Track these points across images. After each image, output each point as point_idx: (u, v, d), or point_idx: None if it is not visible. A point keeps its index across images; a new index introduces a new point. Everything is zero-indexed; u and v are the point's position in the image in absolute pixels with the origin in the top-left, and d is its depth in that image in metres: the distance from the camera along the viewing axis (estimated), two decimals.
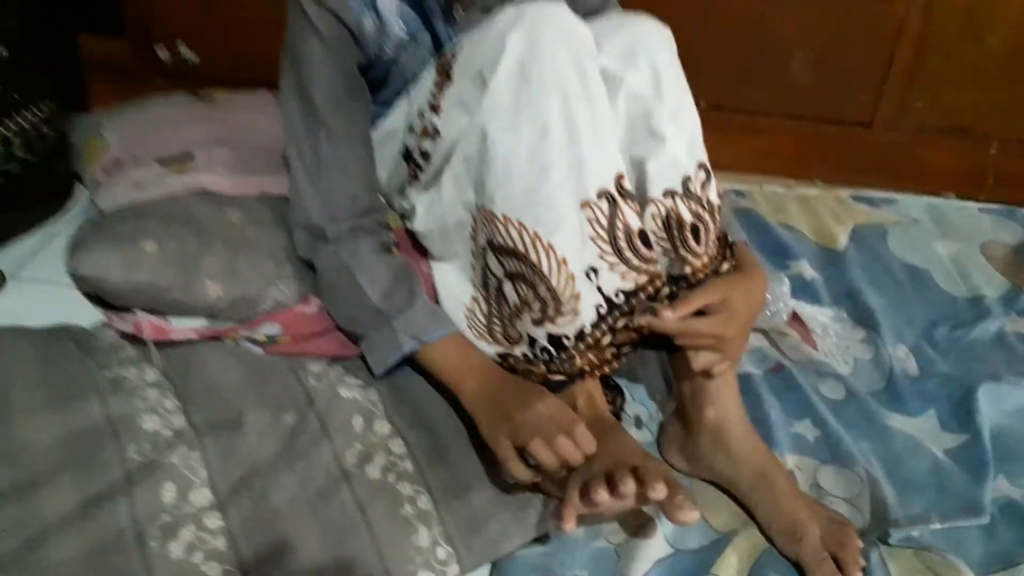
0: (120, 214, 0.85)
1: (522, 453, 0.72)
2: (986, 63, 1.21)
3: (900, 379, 0.96)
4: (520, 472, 0.72)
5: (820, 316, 1.04)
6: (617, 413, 0.87)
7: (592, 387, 0.82)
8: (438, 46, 0.89)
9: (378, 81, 0.91)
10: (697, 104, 1.24)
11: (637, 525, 0.79)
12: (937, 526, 0.79)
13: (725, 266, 0.83)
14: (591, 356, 0.79)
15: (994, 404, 0.91)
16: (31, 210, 1.15)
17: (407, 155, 0.90)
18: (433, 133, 0.84)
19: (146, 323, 0.80)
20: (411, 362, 0.84)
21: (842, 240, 1.19)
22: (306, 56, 0.84)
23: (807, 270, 1.12)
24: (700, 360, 0.80)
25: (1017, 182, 1.29)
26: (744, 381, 0.91)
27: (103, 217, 0.85)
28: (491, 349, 0.83)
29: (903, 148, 1.30)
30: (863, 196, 1.30)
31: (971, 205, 1.29)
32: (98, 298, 0.83)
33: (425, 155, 0.86)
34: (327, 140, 0.85)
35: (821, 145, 1.31)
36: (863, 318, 1.05)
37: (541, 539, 0.77)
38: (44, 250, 1.13)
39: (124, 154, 0.98)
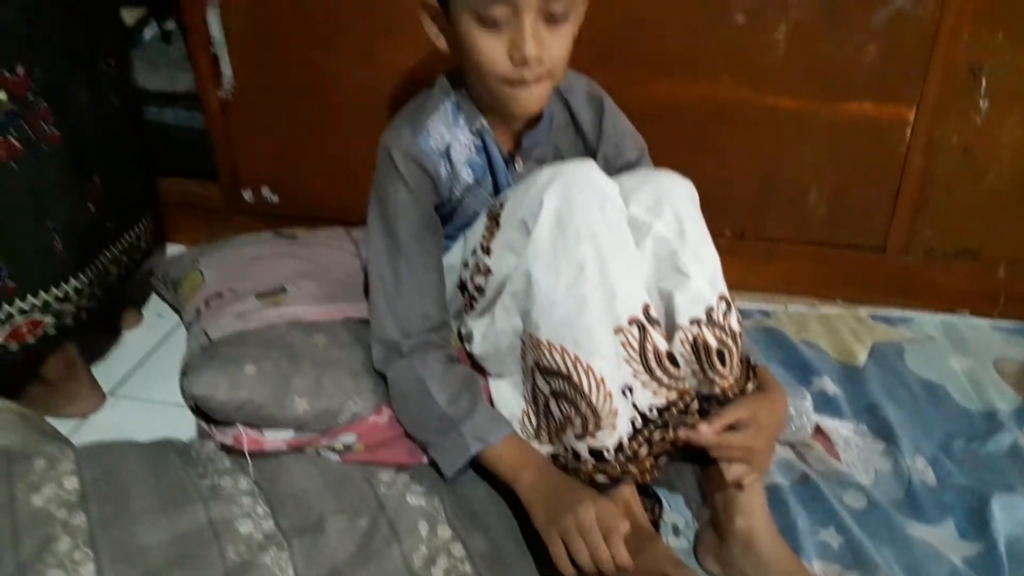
0: (226, 341, 0.99)
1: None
2: (986, 195, 1.31)
3: (919, 489, 1.02)
4: (566, 568, 0.81)
5: (842, 429, 1.12)
6: (656, 522, 0.95)
7: (630, 497, 0.90)
8: (497, 190, 1.04)
9: (445, 217, 1.05)
10: (722, 233, 1.39)
11: None
12: None
13: (750, 386, 0.92)
14: (631, 467, 0.88)
15: (1008, 514, 0.96)
16: (115, 333, 1.32)
17: (463, 287, 1.03)
18: (485, 271, 0.97)
19: (244, 436, 0.93)
20: (472, 461, 0.94)
21: (862, 357, 1.27)
22: (392, 197, 0.98)
23: (829, 386, 1.20)
24: (732, 472, 0.89)
25: None
26: (773, 491, 0.99)
27: (211, 344, 0.99)
28: (542, 450, 0.94)
29: (916, 271, 1.39)
30: (881, 315, 1.38)
31: (984, 323, 1.37)
32: (199, 412, 0.96)
33: (479, 289, 0.99)
34: (406, 268, 0.98)
35: (839, 268, 1.42)
36: (883, 431, 1.11)
37: None
38: (138, 371, 1.28)
39: (223, 288, 1.13)
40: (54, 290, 1.05)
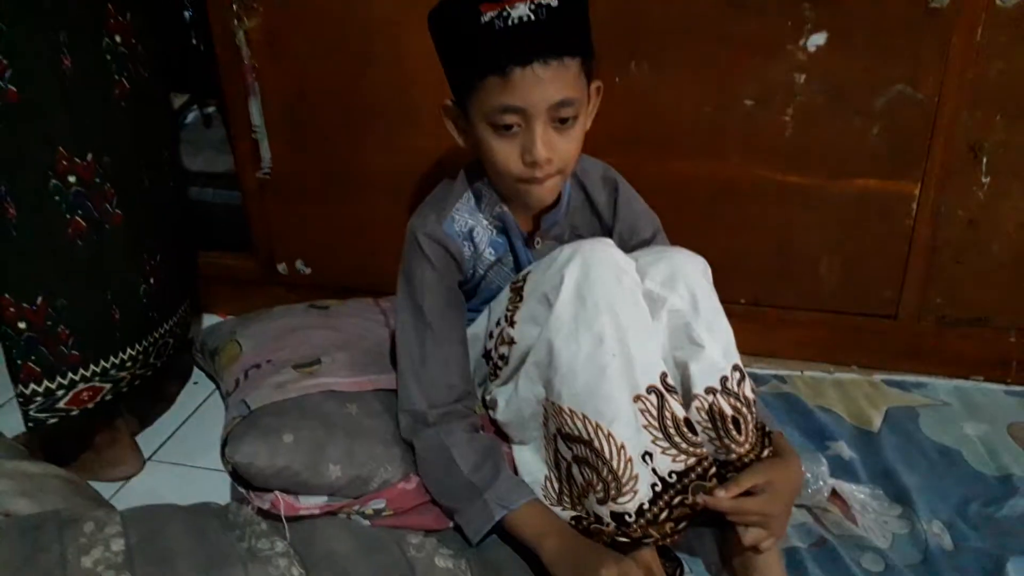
0: (265, 410, 1.05)
1: None
2: (993, 265, 1.35)
3: (936, 553, 1.04)
4: None
5: (858, 493, 1.14)
6: None
7: (652, 560, 0.93)
8: (518, 266, 1.10)
9: (469, 292, 1.12)
10: (737, 301, 1.44)
11: None
12: None
13: (765, 452, 0.95)
14: (652, 531, 0.91)
15: None
16: (159, 401, 1.38)
17: (487, 356, 1.08)
18: (509, 341, 1.02)
19: (281, 501, 0.97)
20: (496, 526, 0.98)
21: (877, 422, 1.30)
22: (418, 276, 1.05)
23: (845, 450, 1.23)
24: (749, 536, 0.92)
25: None
26: (791, 555, 1.02)
27: (251, 413, 1.05)
28: (564, 515, 0.97)
29: (929, 337, 1.42)
30: (895, 380, 1.41)
31: (997, 388, 1.39)
32: (239, 477, 1.01)
33: (503, 358, 1.04)
34: (432, 342, 1.04)
35: (852, 335, 1.45)
36: (899, 495, 1.13)
37: None
38: (174, 436, 1.33)
39: (261, 359, 1.19)
40: (112, 359, 1.12)
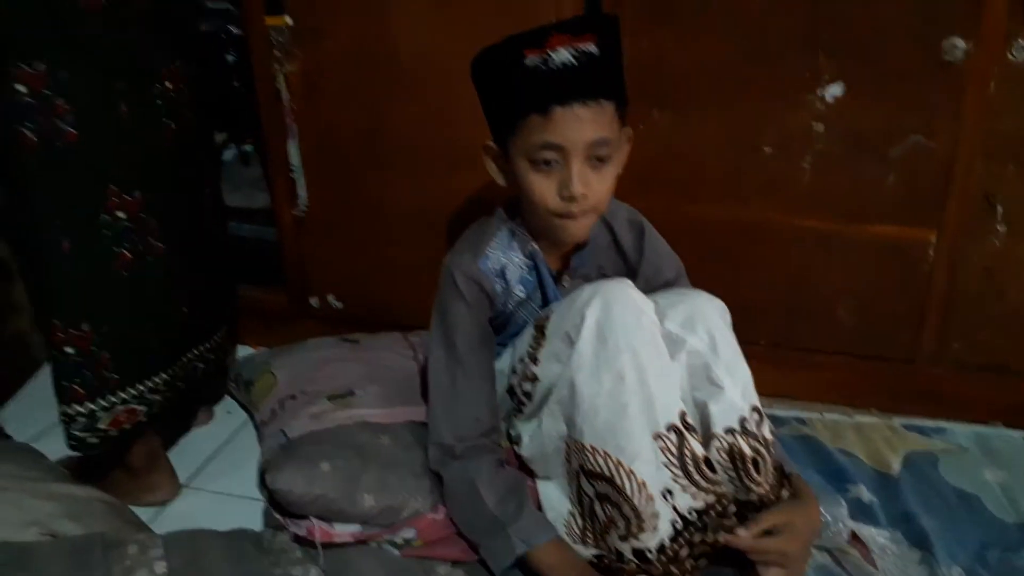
0: (303, 440, 1.09)
1: None
2: (1010, 313, 1.36)
3: None
4: None
5: (878, 537, 1.15)
6: None
7: None
8: (546, 303, 1.13)
9: (498, 327, 1.16)
10: (757, 342, 1.47)
11: None
12: None
13: (784, 493, 0.98)
14: (672, 568, 0.93)
15: None
16: (190, 427, 1.43)
17: (511, 392, 1.11)
18: (533, 378, 1.06)
19: (317, 528, 1.01)
20: (518, 560, 1.00)
21: (896, 466, 1.31)
22: (453, 312, 1.09)
23: (864, 493, 1.23)
24: (768, 575, 0.94)
25: None
26: None
27: (289, 442, 1.09)
28: (587, 552, 1.00)
29: (947, 382, 1.43)
30: (914, 424, 1.42)
31: (1016, 434, 1.40)
32: (276, 504, 1.04)
33: (527, 395, 1.08)
34: (463, 377, 1.08)
35: (871, 378, 1.47)
36: (918, 539, 1.14)
37: None
38: (210, 464, 1.37)
39: (296, 391, 1.24)
40: (147, 382, 1.18)
